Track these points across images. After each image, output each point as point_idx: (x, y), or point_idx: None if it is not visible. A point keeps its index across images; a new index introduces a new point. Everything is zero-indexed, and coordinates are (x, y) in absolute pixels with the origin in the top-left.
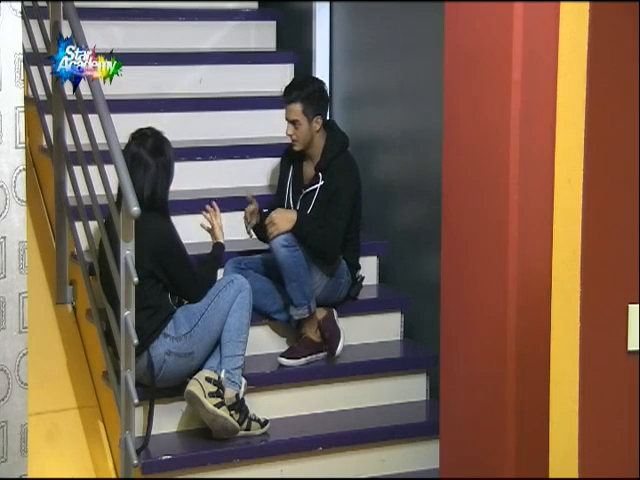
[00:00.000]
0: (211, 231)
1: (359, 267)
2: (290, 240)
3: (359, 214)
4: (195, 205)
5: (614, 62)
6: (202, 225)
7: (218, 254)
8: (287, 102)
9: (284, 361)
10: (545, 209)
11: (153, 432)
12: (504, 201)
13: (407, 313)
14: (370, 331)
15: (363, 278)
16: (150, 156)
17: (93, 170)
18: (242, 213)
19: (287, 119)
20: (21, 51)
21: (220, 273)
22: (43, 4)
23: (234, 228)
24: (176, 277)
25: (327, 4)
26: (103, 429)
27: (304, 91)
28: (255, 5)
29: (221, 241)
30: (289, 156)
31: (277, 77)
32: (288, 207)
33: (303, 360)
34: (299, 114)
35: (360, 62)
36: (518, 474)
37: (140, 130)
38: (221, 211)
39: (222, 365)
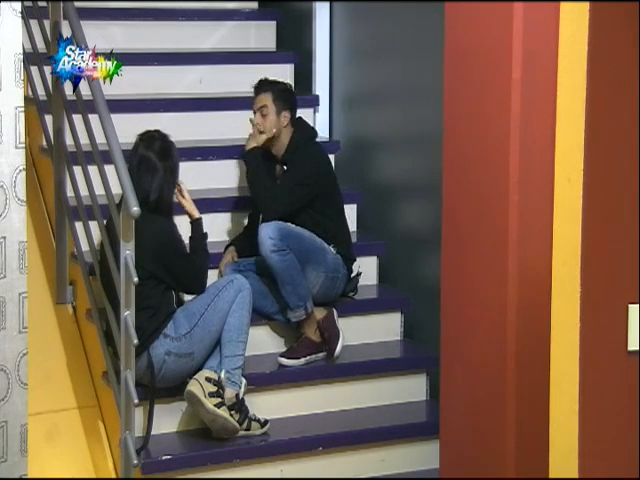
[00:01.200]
0: (183, 208)
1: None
2: (280, 245)
3: (337, 203)
4: (195, 205)
5: (614, 62)
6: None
7: (201, 233)
8: (257, 93)
9: (284, 361)
10: (545, 209)
11: (153, 432)
12: (504, 201)
13: (407, 313)
14: (370, 331)
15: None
16: (158, 159)
17: (93, 170)
18: (242, 213)
19: (254, 109)
20: (21, 51)
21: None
22: (43, 4)
23: (233, 228)
24: (180, 275)
25: (327, 4)
26: (103, 429)
27: (274, 85)
28: (255, 5)
29: (197, 216)
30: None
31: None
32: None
33: (303, 360)
34: (268, 100)
35: (360, 62)
36: (518, 474)
37: (148, 132)
38: (221, 211)
39: (222, 365)
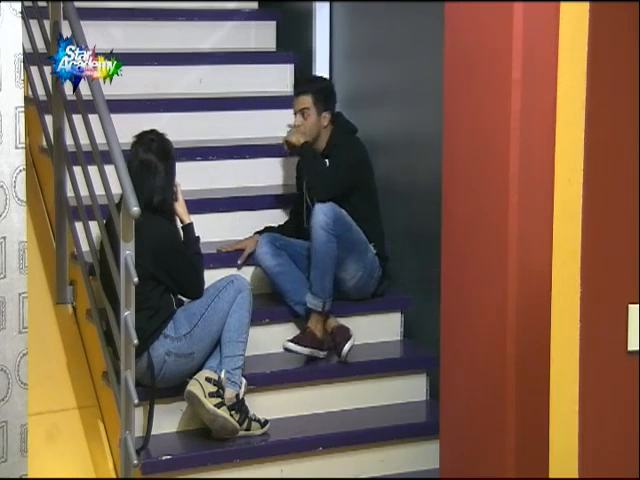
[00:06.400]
0: (175, 211)
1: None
2: (331, 225)
3: (375, 201)
4: (195, 205)
5: (614, 62)
6: None
7: (194, 237)
8: (297, 94)
9: (291, 345)
10: (545, 209)
11: (153, 432)
12: (504, 201)
13: (407, 313)
14: (370, 331)
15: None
16: (159, 161)
17: (93, 170)
18: (242, 213)
19: (296, 111)
20: (21, 51)
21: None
22: (43, 4)
23: (235, 228)
24: (179, 277)
25: (327, 4)
26: (103, 429)
27: (315, 85)
28: (255, 5)
29: (189, 221)
30: None
31: (277, 77)
32: (306, 205)
33: (307, 351)
34: (309, 102)
35: (360, 62)
36: (518, 474)
37: (144, 134)
38: (221, 211)
39: (222, 365)
